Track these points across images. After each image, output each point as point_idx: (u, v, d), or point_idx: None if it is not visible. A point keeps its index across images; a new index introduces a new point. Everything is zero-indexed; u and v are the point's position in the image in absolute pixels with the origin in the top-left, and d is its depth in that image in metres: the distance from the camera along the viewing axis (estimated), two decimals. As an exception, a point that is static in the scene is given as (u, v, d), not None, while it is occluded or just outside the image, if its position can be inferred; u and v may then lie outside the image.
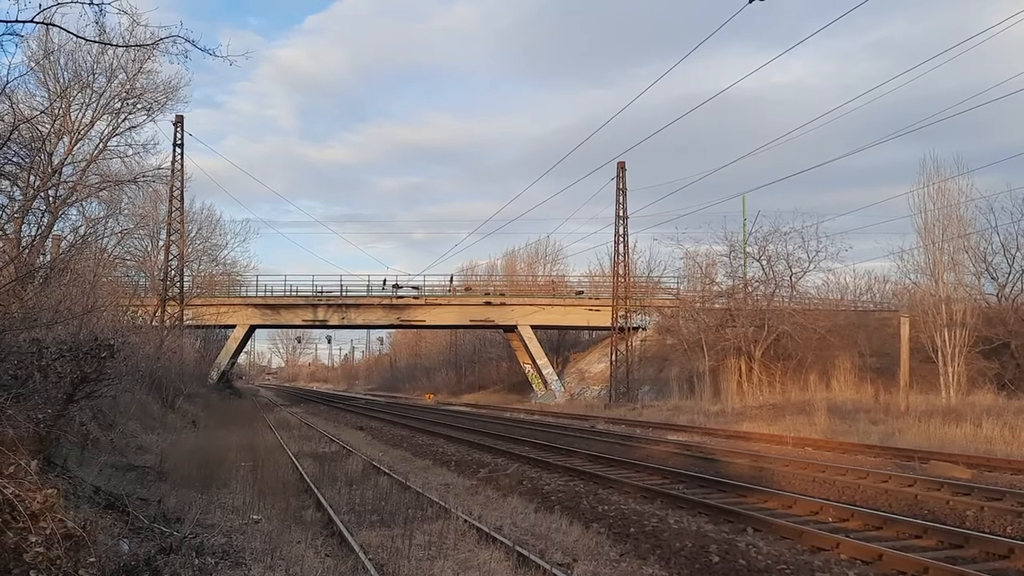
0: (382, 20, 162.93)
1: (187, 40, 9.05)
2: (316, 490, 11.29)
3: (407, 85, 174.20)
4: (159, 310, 36.11)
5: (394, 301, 48.07)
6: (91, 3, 8.05)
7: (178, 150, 37.26)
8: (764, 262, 39.35)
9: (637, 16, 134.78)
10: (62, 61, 23.89)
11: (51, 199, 20.74)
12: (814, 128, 76.64)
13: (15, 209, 18.13)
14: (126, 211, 29.82)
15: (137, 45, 13.61)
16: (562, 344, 58.46)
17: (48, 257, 18.77)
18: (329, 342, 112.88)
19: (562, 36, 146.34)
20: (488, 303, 48.74)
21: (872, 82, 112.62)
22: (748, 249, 39.76)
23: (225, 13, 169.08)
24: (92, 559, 5.47)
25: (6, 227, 17.12)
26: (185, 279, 39.77)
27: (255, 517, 9.01)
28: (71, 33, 9.71)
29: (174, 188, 37.43)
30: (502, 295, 50.19)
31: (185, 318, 38.18)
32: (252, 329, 50.49)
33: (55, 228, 20.74)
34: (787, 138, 56.73)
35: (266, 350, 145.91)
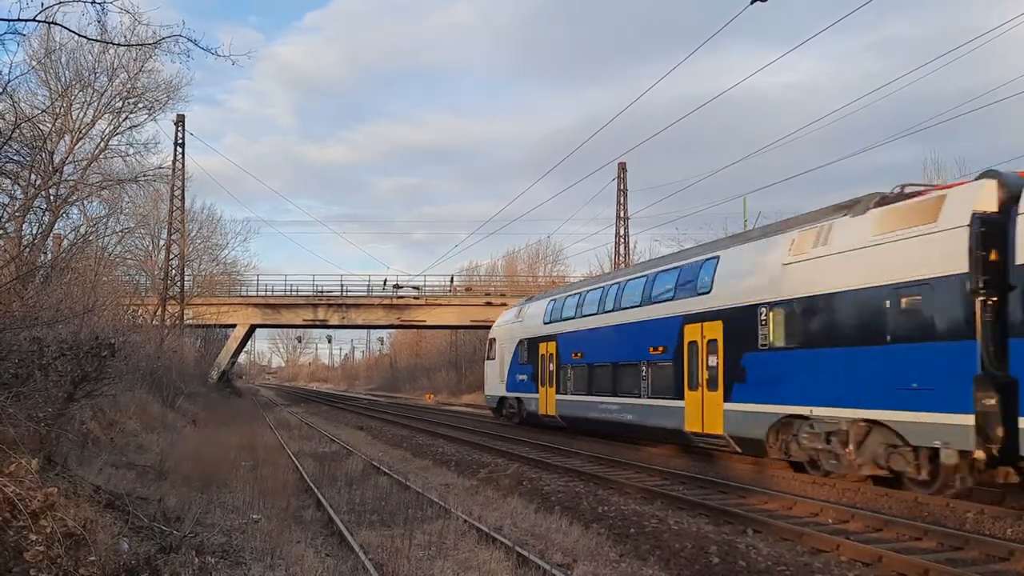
0: (381, 18, 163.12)
1: (189, 39, 9.08)
2: (316, 490, 11.30)
3: (406, 84, 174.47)
4: (160, 309, 36.13)
5: (394, 301, 48.09)
6: (93, 2, 8.07)
7: (179, 149, 37.33)
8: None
9: (638, 15, 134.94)
10: (63, 60, 23.99)
11: (52, 198, 20.74)
12: (817, 128, 76.72)
13: (16, 208, 18.10)
14: (127, 210, 29.97)
15: (139, 44, 13.64)
16: (562, 345, 58.34)
17: (49, 256, 18.79)
18: (329, 342, 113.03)
19: (561, 35, 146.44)
20: (489, 303, 48.72)
21: (876, 82, 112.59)
22: (749, 250, 39.65)
23: (224, 11, 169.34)
24: (92, 558, 5.48)
25: (7, 226, 17.09)
26: (186, 278, 39.83)
27: (255, 516, 9.00)
28: (73, 32, 9.73)
29: (175, 187, 37.48)
30: (503, 295, 50.18)
31: (186, 317, 38.23)
32: (252, 329, 50.50)
33: (56, 227, 20.77)
34: (789, 138, 56.72)
35: (266, 350, 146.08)
